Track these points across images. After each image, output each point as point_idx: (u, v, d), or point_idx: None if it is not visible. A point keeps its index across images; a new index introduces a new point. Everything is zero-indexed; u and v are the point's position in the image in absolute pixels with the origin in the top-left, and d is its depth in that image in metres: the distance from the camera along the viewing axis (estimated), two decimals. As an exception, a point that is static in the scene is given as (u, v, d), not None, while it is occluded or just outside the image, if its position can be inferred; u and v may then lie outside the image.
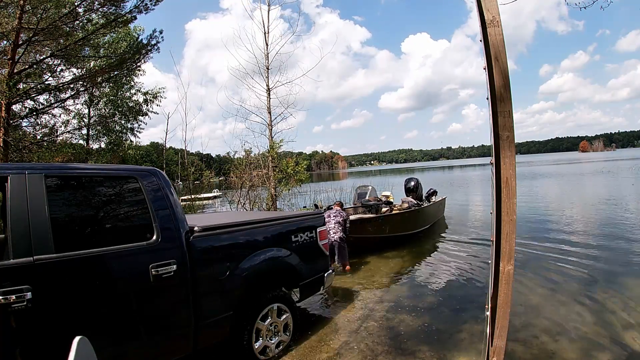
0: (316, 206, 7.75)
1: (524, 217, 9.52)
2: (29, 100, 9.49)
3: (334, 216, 6.12)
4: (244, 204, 11.42)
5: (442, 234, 8.64)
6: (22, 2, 7.69)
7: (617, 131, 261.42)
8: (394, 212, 7.92)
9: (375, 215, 7.37)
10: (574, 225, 8.36)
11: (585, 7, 5.48)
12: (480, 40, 1.83)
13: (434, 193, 10.27)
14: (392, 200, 8.79)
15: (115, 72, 10.60)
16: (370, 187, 9.00)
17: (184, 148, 12.00)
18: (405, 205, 8.68)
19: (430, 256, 6.69)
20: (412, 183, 9.57)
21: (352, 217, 7.04)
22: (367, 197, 8.43)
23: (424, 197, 9.79)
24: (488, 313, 2.04)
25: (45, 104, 10.16)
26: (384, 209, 7.94)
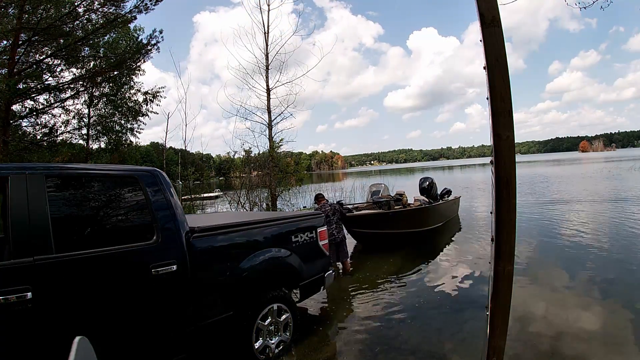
0: (341, 204, 7.66)
1: (530, 218, 9.48)
2: (29, 100, 9.50)
3: (332, 214, 5.99)
4: (243, 204, 11.43)
5: (449, 233, 8.60)
6: (22, 2, 7.69)
7: (617, 131, 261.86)
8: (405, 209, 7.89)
9: (384, 211, 7.35)
10: (582, 227, 8.17)
11: (585, 7, 5.50)
12: (481, 41, 1.83)
13: (449, 192, 10.24)
14: (405, 198, 8.76)
15: (115, 72, 10.60)
16: (383, 185, 9.00)
17: (184, 148, 12.01)
18: (418, 203, 8.65)
19: (432, 256, 6.67)
20: (427, 183, 9.57)
21: (359, 212, 7.01)
22: (379, 195, 8.44)
23: (438, 197, 9.78)
24: (488, 313, 2.04)
25: (45, 104, 10.15)
26: (396, 207, 7.90)
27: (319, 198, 6.24)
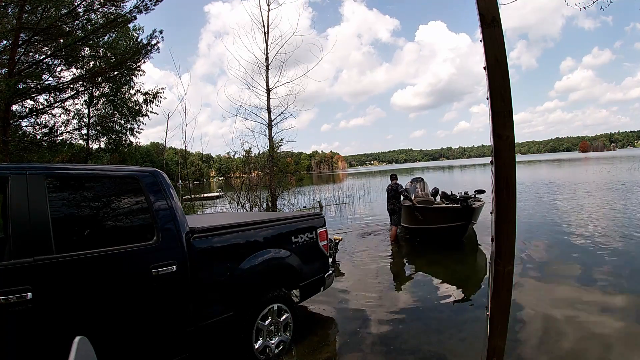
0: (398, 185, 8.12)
1: (540, 219, 9.41)
2: (29, 100, 9.49)
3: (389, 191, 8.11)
4: (243, 204, 11.43)
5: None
6: (22, 2, 7.69)
7: (617, 131, 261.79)
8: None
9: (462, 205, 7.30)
10: (593, 229, 7.89)
11: (585, 7, 5.50)
12: (480, 41, 1.83)
13: (436, 191, 10.26)
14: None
15: (115, 72, 10.60)
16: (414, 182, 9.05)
17: (184, 148, 12.02)
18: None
19: (432, 256, 6.68)
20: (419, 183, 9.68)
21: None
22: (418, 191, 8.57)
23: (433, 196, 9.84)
24: (488, 313, 2.03)
25: (45, 104, 10.15)
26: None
27: (392, 178, 8.39)
